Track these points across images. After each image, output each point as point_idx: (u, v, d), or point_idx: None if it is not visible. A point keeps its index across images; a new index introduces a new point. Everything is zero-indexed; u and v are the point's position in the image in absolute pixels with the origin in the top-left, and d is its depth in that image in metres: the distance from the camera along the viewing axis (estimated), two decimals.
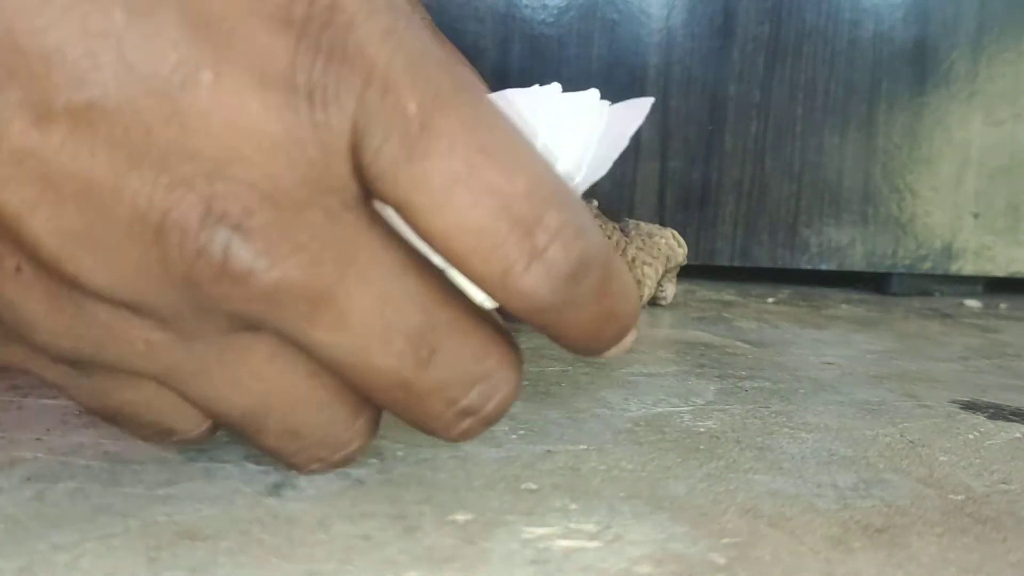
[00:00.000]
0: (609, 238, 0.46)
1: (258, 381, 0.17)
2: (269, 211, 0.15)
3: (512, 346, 0.18)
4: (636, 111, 0.21)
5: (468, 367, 0.17)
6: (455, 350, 0.17)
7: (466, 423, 0.18)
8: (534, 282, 0.16)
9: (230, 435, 0.22)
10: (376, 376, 0.17)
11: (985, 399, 0.34)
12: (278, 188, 0.15)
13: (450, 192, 0.15)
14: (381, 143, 0.15)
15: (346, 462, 0.20)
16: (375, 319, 0.16)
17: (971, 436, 0.28)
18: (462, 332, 0.17)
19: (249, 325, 0.16)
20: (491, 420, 0.18)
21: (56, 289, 0.16)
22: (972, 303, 0.65)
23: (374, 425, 0.19)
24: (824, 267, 0.68)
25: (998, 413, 0.31)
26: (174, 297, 0.16)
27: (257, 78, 0.15)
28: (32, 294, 0.16)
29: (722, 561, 0.18)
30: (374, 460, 0.22)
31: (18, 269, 0.16)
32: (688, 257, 0.53)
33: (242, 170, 0.15)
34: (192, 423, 0.19)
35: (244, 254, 0.15)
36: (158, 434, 0.19)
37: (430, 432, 0.18)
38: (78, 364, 0.18)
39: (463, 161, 0.15)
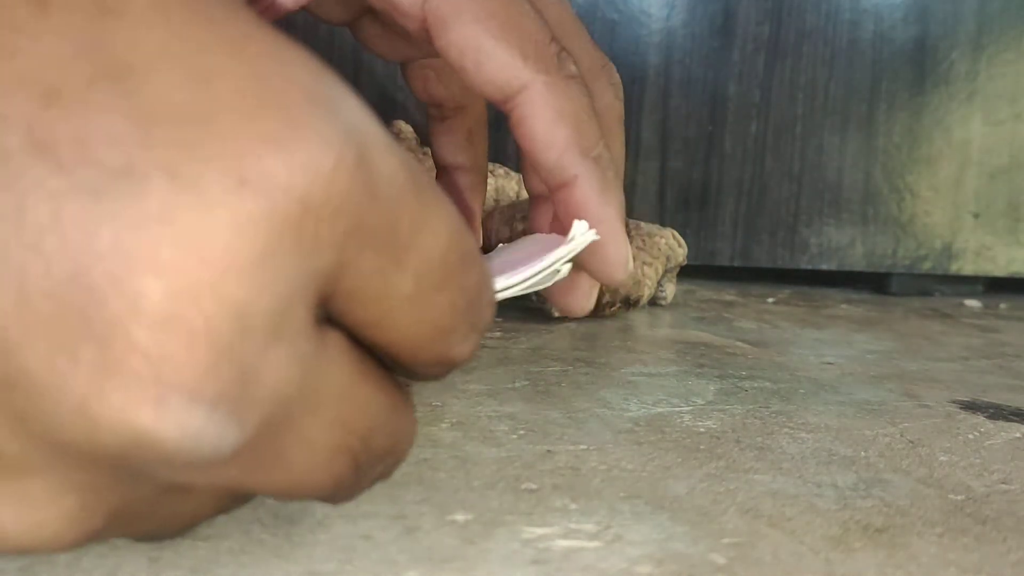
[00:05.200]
0: None
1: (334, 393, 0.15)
2: None
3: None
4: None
5: (482, 272, 0.17)
6: (479, 261, 0.16)
7: (476, 336, 0.17)
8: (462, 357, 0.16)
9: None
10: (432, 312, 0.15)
11: (985, 399, 0.34)
12: None
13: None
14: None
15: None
16: (448, 257, 0.15)
17: (971, 436, 0.28)
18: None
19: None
20: (490, 324, 0.17)
21: None
22: (972, 303, 0.65)
23: None
24: (824, 267, 0.68)
25: (998, 413, 0.31)
26: None
27: None
28: None
29: (722, 561, 0.18)
30: None
31: None
32: (688, 257, 0.53)
33: None
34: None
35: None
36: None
37: (444, 363, 0.17)
38: None
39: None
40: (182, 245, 0.12)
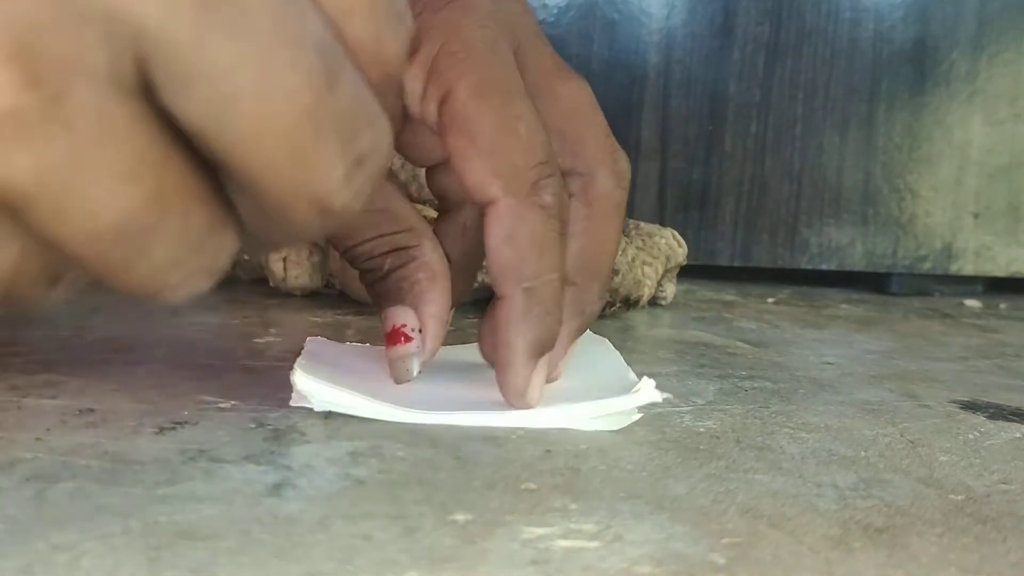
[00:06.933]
0: None
1: (149, 167, 0.14)
2: None
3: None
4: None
5: (366, 100, 0.15)
6: (354, 77, 0.15)
7: (359, 178, 0.15)
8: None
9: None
10: (278, 104, 0.14)
11: (985, 399, 0.34)
12: None
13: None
14: None
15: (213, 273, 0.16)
16: (285, 23, 0.14)
17: (971, 436, 0.28)
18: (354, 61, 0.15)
19: (127, 73, 0.13)
20: (378, 175, 0.16)
21: None
22: (972, 303, 0.65)
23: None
24: (824, 267, 0.68)
25: (998, 413, 0.31)
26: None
27: None
28: None
29: (722, 561, 0.18)
30: (374, 460, 0.22)
31: None
32: (688, 257, 0.53)
33: None
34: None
35: None
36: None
37: (314, 203, 0.15)
38: None
39: None
40: None
